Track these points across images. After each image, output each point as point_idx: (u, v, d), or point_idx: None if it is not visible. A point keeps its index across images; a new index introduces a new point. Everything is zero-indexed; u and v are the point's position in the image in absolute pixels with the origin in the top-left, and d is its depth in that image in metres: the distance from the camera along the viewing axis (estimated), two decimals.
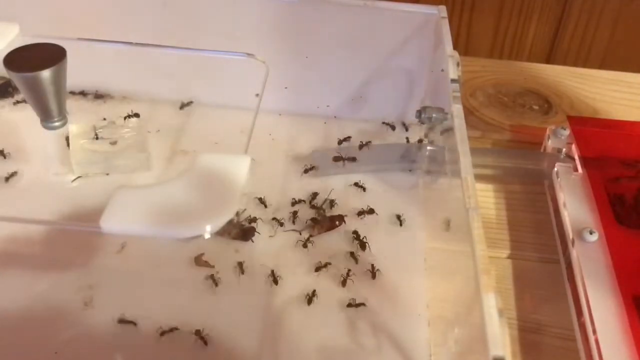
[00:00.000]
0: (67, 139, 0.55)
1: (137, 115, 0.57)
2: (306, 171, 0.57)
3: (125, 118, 0.57)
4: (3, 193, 0.53)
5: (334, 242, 0.51)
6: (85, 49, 0.55)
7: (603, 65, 0.83)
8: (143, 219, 0.36)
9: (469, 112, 0.67)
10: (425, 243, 0.51)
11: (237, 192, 0.39)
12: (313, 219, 0.52)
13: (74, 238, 0.49)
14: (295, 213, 0.52)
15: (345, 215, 0.52)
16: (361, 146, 0.58)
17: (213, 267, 0.48)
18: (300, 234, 0.51)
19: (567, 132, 0.58)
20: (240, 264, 0.47)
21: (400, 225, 0.52)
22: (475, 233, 0.36)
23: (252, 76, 0.52)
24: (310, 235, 0.51)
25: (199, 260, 0.48)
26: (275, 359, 0.43)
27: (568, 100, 0.70)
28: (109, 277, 0.47)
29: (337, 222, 0.52)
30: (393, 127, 0.62)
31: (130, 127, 0.57)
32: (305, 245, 0.50)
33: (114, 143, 0.55)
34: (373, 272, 0.48)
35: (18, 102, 0.61)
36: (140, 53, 0.59)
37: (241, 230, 0.50)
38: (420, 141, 0.58)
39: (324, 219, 0.52)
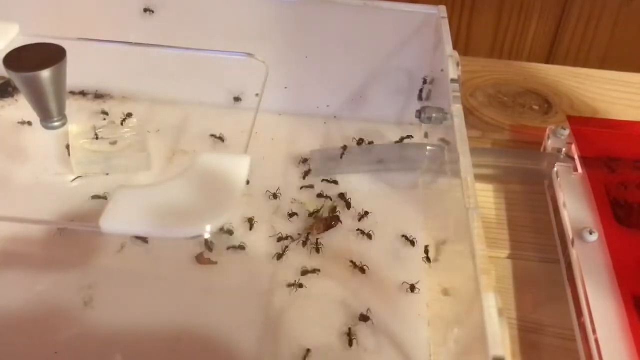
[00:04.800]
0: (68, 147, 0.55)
1: (129, 115, 0.57)
2: (305, 176, 0.57)
3: (122, 122, 0.57)
4: (3, 193, 0.53)
5: (333, 243, 0.51)
6: (85, 49, 0.55)
7: (603, 65, 0.83)
8: (143, 219, 0.36)
9: (469, 112, 0.67)
10: (425, 243, 0.51)
11: (237, 192, 0.39)
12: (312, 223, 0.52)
13: (74, 238, 0.49)
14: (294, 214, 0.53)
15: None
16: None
17: (216, 263, 0.48)
18: (300, 235, 0.51)
19: (567, 132, 0.58)
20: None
21: (400, 224, 0.52)
22: (475, 233, 0.36)
23: (252, 76, 0.52)
24: (309, 234, 0.51)
25: (200, 259, 0.48)
26: (275, 358, 0.43)
27: (568, 100, 0.70)
28: (109, 277, 0.47)
29: (333, 223, 0.52)
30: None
31: (130, 127, 0.57)
32: (304, 244, 0.50)
33: (114, 143, 0.55)
34: (361, 269, 0.48)
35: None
36: (140, 53, 0.59)
37: None
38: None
39: (320, 220, 0.52)
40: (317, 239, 0.50)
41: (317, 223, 0.52)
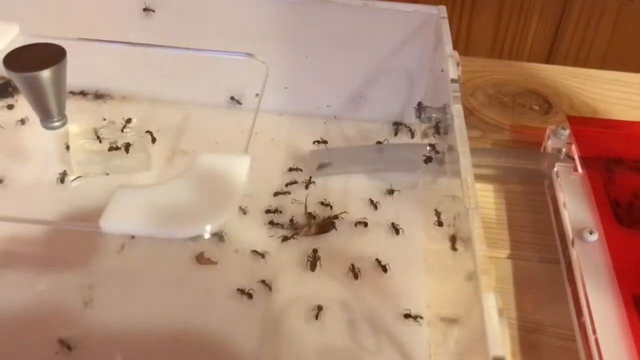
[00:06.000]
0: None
1: (129, 120, 0.57)
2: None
3: (122, 129, 0.57)
4: (3, 193, 0.53)
5: (334, 242, 0.51)
6: (85, 49, 0.55)
7: (603, 65, 0.83)
8: (143, 219, 0.36)
9: (469, 112, 0.67)
10: (425, 243, 0.51)
11: (237, 192, 0.39)
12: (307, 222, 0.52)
13: (74, 238, 0.49)
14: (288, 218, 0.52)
15: (342, 214, 0.52)
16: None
17: (216, 263, 0.48)
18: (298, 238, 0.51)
19: (567, 132, 0.58)
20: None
21: (400, 225, 0.52)
22: (475, 233, 0.36)
23: (252, 76, 0.52)
24: (295, 233, 0.50)
25: (201, 259, 0.48)
26: (275, 359, 0.43)
27: (568, 100, 0.70)
28: (109, 277, 0.47)
29: (328, 228, 0.51)
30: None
31: (130, 127, 0.57)
32: (284, 239, 0.50)
33: (114, 143, 0.55)
34: (355, 273, 0.48)
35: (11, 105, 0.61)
36: (140, 53, 0.59)
37: None
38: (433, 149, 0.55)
39: (314, 223, 0.52)
40: (295, 233, 0.50)
41: (309, 225, 0.51)
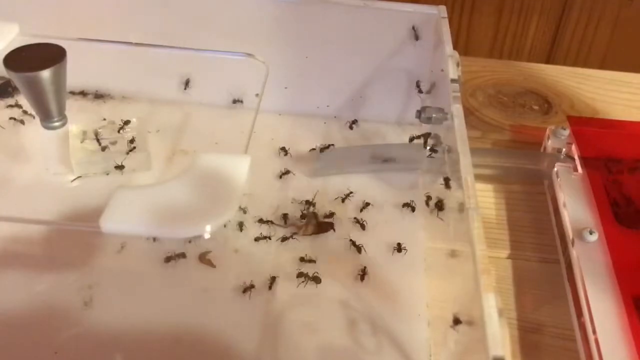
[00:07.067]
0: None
1: (127, 122, 0.57)
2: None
3: (119, 130, 0.57)
4: (3, 193, 0.53)
5: (333, 243, 0.51)
6: (85, 49, 0.55)
7: (603, 65, 0.83)
8: (143, 219, 0.36)
9: (469, 112, 0.67)
10: (425, 243, 0.51)
11: (237, 192, 0.39)
12: (303, 219, 0.52)
13: (74, 238, 0.49)
14: (285, 215, 0.52)
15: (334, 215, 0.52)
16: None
17: (214, 267, 0.48)
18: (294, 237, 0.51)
19: (567, 132, 0.58)
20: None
21: (400, 224, 0.52)
22: (475, 233, 0.36)
23: (252, 76, 0.52)
24: (295, 233, 0.50)
25: (203, 258, 0.48)
26: (275, 359, 0.43)
27: (568, 100, 0.70)
28: (109, 277, 0.47)
29: (326, 228, 0.51)
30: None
31: (130, 127, 0.57)
32: (284, 240, 0.50)
33: (114, 143, 0.55)
34: (363, 275, 0.48)
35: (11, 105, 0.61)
36: (140, 53, 0.59)
37: None
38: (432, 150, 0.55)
39: (313, 222, 0.52)
40: (294, 233, 0.50)
41: (307, 225, 0.51)
